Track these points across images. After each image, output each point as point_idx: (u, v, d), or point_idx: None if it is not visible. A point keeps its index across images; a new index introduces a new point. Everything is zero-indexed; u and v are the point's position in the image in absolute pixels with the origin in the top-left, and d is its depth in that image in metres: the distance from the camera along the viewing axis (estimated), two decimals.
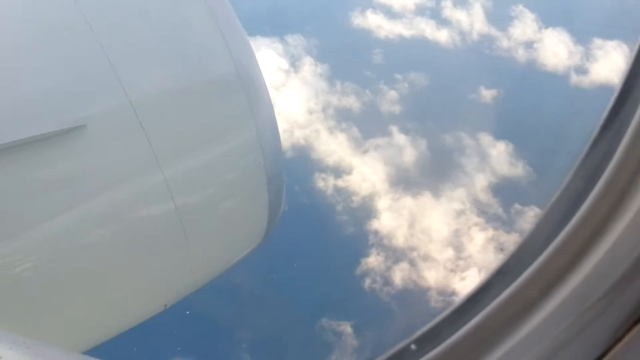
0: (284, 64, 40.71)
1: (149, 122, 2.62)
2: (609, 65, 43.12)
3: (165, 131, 2.73)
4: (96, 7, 2.62)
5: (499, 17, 48.02)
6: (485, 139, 35.97)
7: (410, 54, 44.26)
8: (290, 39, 43.77)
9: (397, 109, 38.79)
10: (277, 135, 3.23)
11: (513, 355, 1.23)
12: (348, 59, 43.00)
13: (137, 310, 3.14)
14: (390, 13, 48.73)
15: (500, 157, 34.96)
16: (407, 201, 31.95)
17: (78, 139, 2.44)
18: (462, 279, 27.38)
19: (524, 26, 47.40)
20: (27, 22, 2.57)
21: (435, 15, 48.62)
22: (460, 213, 31.23)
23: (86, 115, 2.49)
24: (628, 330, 1.21)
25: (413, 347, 1.33)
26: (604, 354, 1.21)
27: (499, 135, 35.96)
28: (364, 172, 33.56)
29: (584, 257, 1.28)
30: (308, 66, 41.44)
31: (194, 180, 2.89)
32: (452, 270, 28.21)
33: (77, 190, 2.57)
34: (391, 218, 30.71)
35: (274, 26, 42.41)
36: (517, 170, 34.30)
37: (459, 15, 48.35)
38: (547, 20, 47.82)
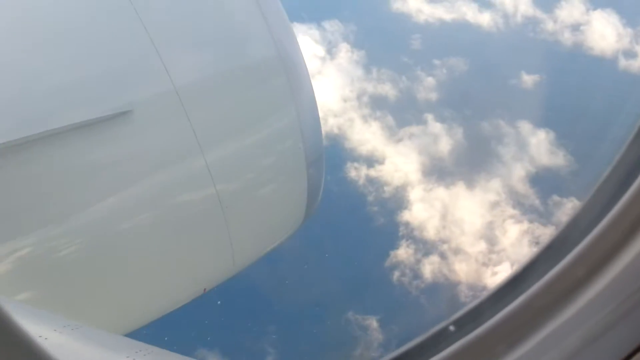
0: (321, 50, 40.30)
1: (193, 107, 2.65)
2: None
3: (208, 116, 2.79)
4: None
5: None
6: (525, 126, 34.78)
7: (450, 38, 43.08)
8: (327, 24, 43.27)
9: (434, 96, 37.94)
10: (317, 119, 3.19)
11: (559, 335, 1.21)
12: (385, 45, 42.22)
13: (178, 293, 3.19)
14: None
15: (540, 145, 33.77)
16: (440, 192, 31.32)
17: (125, 124, 2.49)
18: (494, 273, 26.67)
19: (571, 8, 45.40)
20: (74, 9, 2.64)
21: None
22: (495, 205, 30.38)
23: (132, 100, 2.56)
24: None
25: (452, 328, 1.32)
26: None
27: (539, 123, 34.68)
28: (397, 162, 33.04)
29: (635, 235, 1.23)
30: (344, 53, 40.94)
31: (235, 164, 2.94)
32: (484, 264, 27.53)
33: (123, 174, 2.65)
34: (423, 209, 30.18)
35: (312, 12, 41.97)
36: (558, 159, 33.07)
37: None
38: (596, 1, 45.65)
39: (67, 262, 2.60)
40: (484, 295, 1.40)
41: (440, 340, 1.31)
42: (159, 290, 3.09)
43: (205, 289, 3.17)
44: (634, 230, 1.23)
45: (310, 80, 3.17)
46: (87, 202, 2.58)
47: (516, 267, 1.43)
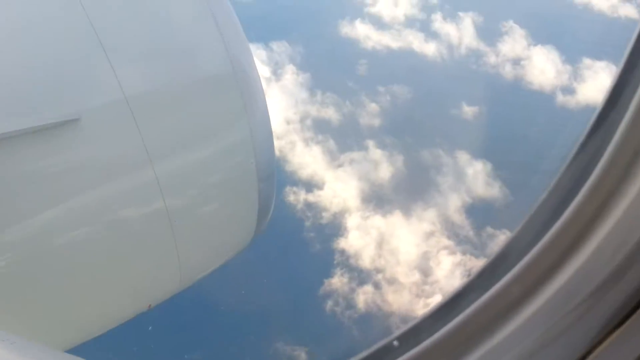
0: (266, 71, 39.97)
1: (143, 118, 2.58)
2: (596, 85, 42.38)
3: (159, 127, 2.71)
4: (95, 1, 2.61)
5: (489, 32, 47.31)
6: (463, 157, 35.23)
7: (396, 66, 43.53)
8: (275, 45, 43.12)
9: (376, 122, 38.06)
10: (270, 136, 3.18)
11: (495, 354, 1.26)
12: (332, 69, 42.29)
13: (121, 309, 3.10)
14: (379, 23, 48.09)
15: (477, 176, 34.22)
16: (377, 220, 31.21)
17: (71, 132, 2.42)
18: (427, 305, 26.55)
19: (513, 42, 46.73)
20: (24, 14, 2.54)
21: (425, 27, 47.95)
22: (430, 234, 30.47)
23: (81, 108, 2.47)
24: (609, 333, 1.23)
25: (395, 343, 1.36)
26: (584, 357, 1.24)
27: (477, 154, 35.21)
28: (336, 188, 32.81)
29: (569, 258, 1.30)
30: (290, 74, 40.77)
31: (184, 178, 2.87)
32: (418, 296, 27.42)
33: (68, 184, 2.53)
34: (359, 237, 29.95)
35: (260, 32, 41.69)
36: (494, 191, 33.55)
37: (449, 29, 47.68)
38: (537, 37, 47.13)
39: (7, 273, 2.50)
40: (426, 312, 1.42)
41: (381, 356, 1.36)
42: (102, 305, 2.98)
43: (150, 305, 3.11)
44: (566, 255, 1.29)
45: (264, 96, 3.12)
46: (29, 211, 2.47)
47: (456, 287, 1.45)
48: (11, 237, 2.48)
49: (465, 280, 1.45)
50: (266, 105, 3.12)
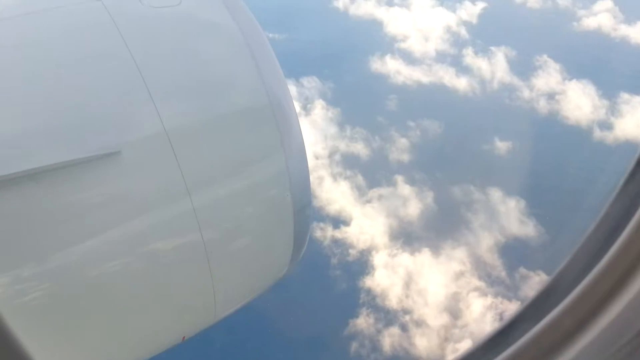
0: (296, 106, 39.84)
1: (182, 151, 2.63)
2: (635, 120, 41.01)
3: (197, 160, 2.74)
4: (137, 36, 2.70)
5: (522, 66, 46.55)
6: (496, 193, 34.18)
7: (426, 101, 43.04)
8: (305, 81, 43.20)
9: (406, 157, 37.43)
10: (306, 167, 3.19)
11: None
12: (361, 104, 42.04)
13: (156, 342, 3.10)
14: (409, 59, 47.87)
15: (510, 214, 33.07)
16: (405, 258, 30.29)
17: (112, 165, 2.48)
18: (456, 350, 25.37)
19: (548, 76, 45.80)
20: (70, 48, 2.65)
21: (456, 62, 47.50)
22: (460, 275, 29.37)
23: (121, 141, 2.53)
24: None
25: None
26: None
27: (510, 191, 34.12)
28: (364, 224, 32.10)
29: (620, 291, 1.27)
30: (320, 109, 40.64)
31: (221, 210, 2.89)
32: (446, 340, 26.25)
33: (107, 216, 2.58)
34: (386, 276, 29.08)
35: (291, 68, 41.84)
36: (528, 229, 32.29)
37: (481, 63, 47.10)
38: (573, 71, 46.13)
39: (44, 304, 2.53)
40: (475, 344, 1.38)
41: None
42: (137, 338, 3.01)
43: (184, 337, 3.12)
44: (621, 284, 1.27)
45: (300, 128, 3.15)
46: (68, 242, 2.52)
47: (505, 319, 1.41)
48: (50, 267, 2.50)
49: (517, 310, 1.43)
50: (302, 137, 3.15)
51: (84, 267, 2.59)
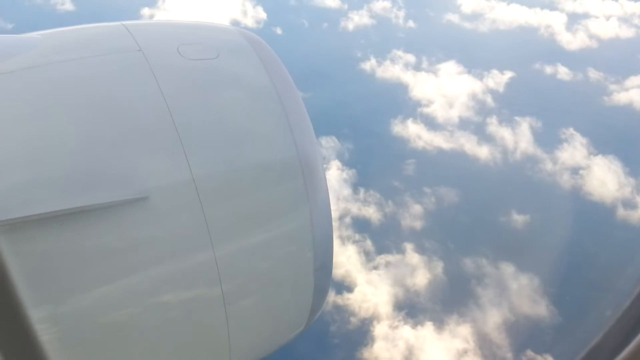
0: None
1: (208, 200, 2.66)
2: None
3: (223, 210, 2.76)
4: (173, 86, 2.80)
5: (547, 138, 45.75)
6: (509, 269, 32.86)
7: (445, 167, 42.41)
8: (324, 140, 43.22)
9: (418, 224, 36.56)
10: (329, 224, 3.14)
11: None
12: (378, 167, 41.64)
13: None
14: (432, 124, 47.63)
15: (522, 291, 31.63)
16: (406, 331, 29.04)
17: (139, 210, 2.55)
18: None
19: (573, 150, 44.82)
20: (107, 94, 2.74)
21: (479, 130, 46.98)
22: (462, 353, 27.92)
23: (150, 187, 2.58)
24: None
25: None
26: None
27: (524, 267, 32.80)
28: (367, 291, 31.12)
29: None
30: (335, 170, 40.37)
31: (243, 263, 2.87)
32: None
33: (130, 261, 2.60)
34: (385, 349, 27.85)
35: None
36: (540, 309, 30.76)
37: (504, 133, 46.47)
38: (600, 146, 45.09)
39: (58, 346, 2.48)
40: None
41: None
42: None
43: None
44: None
45: (326, 185, 3.10)
46: (89, 285, 2.55)
47: None
48: (68, 309, 2.52)
49: None
50: (327, 194, 3.11)
51: (101, 311, 2.61)
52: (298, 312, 3.20)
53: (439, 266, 32.77)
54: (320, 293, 3.17)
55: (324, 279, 3.16)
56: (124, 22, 3.07)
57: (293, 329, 3.28)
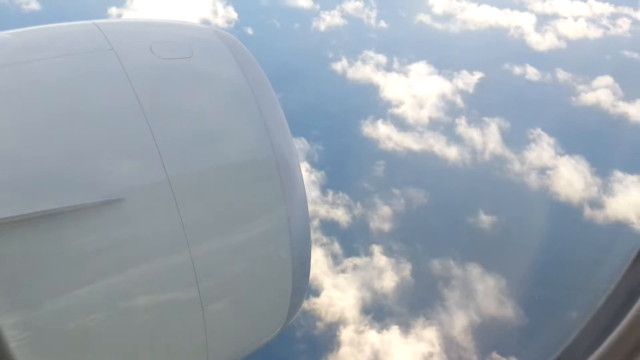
0: None
1: (184, 200, 2.63)
2: (627, 200, 39.95)
3: (199, 210, 2.72)
4: (146, 85, 2.78)
5: (515, 138, 46.03)
6: (476, 270, 32.91)
7: (415, 168, 42.43)
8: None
9: (387, 226, 36.45)
10: (307, 224, 3.11)
11: None
12: (347, 168, 41.47)
13: None
14: (402, 125, 47.59)
15: (489, 293, 31.69)
16: (372, 335, 28.84)
17: (114, 211, 2.54)
18: None
19: (541, 150, 45.18)
20: (78, 94, 2.71)
21: (448, 131, 47.07)
22: (427, 357, 27.83)
23: (125, 188, 2.56)
24: None
25: None
26: None
27: (491, 268, 32.86)
28: (334, 295, 30.87)
29: None
30: (304, 172, 39.76)
31: (219, 263, 2.82)
32: None
33: (105, 263, 2.57)
34: (351, 354, 27.62)
35: None
36: (506, 311, 30.84)
37: (473, 134, 46.65)
38: (567, 146, 45.49)
39: (32, 350, 2.45)
40: None
41: None
42: None
43: None
44: None
45: (303, 184, 3.07)
46: (64, 289, 2.49)
47: None
48: (43, 313, 2.48)
49: None
50: (304, 193, 3.10)
51: (76, 315, 2.57)
52: (276, 312, 3.17)
53: (406, 268, 32.69)
54: (298, 293, 3.14)
55: (301, 279, 3.13)
56: (95, 21, 3.04)
57: (271, 330, 3.24)
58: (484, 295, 31.54)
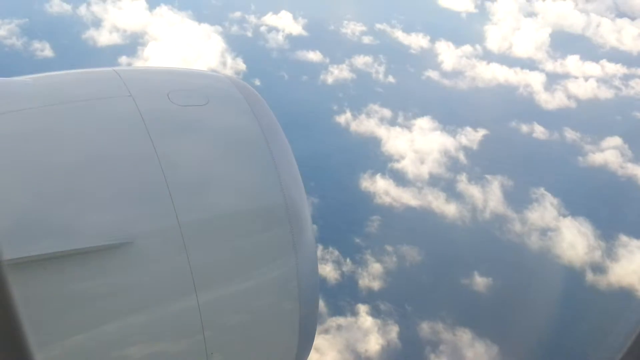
0: None
1: (193, 246, 2.67)
2: (631, 266, 38.18)
3: (208, 257, 2.77)
4: (162, 131, 2.84)
5: (518, 197, 44.78)
6: (466, 335, 31.23)
7: (410, 225, 41.21)
8: None
9: (376, 285, 35.07)
10: (315, 272, 3.15)
11: None
12: (341, 223, 40.40)
13: None
14: (401, 180, 46.66)
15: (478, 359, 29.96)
16: None
17: (123, 255, 2.55)
18: None
19: (543, 210, 43.79)
20: (95, 138, 2.79)
21: (449, 188, 45.99)
22: None
23: (135, 232, 2.59)
24: None
25: None
26: None
27: (482, 333, 31.19)
28: (314, 358, 29.30)
29: None
30: None
31: (227, 310, 2.88)
32: None
33: (110, 306, 2.61)
34: None
35: None
36: None
37: (474, 191, 45.49)
38: (571, 207, 44.08)
39: None
40: None
41: None
42: None
43: None
44: None
45: (312, 233, 3.13)
46: (73, 330, 2.55)
47: None
48: (53, 354, 2.49)
49: None
50: (314, 242, 3.14)
51: (83, 356, 2.56)
52: None
53: (393, 330, 31.19)
54: (305, 342, 3.09)
55: (309, 328, 3.09)
56: (115, 68, 3.11)
57: None
58: None
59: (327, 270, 35.67)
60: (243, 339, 2.95)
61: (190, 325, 2.69)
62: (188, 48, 68.71)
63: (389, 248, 37.45)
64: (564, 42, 76.80)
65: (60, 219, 2.53)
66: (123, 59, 65.57)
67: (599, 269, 38.27)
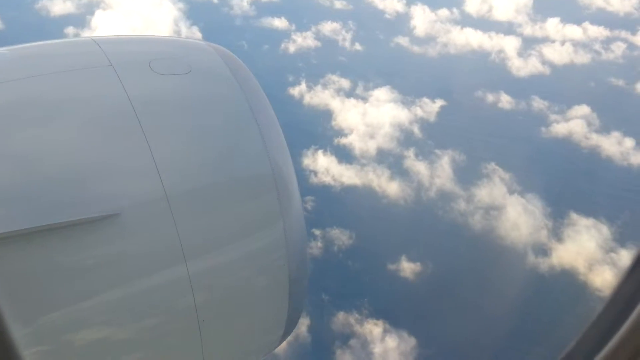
0: None
1: (181, 215, 2.66)
2: (576, 248, 35.91)
3: (196, 225, 2.75)
4: (145, 102, 2.79)
5: (467, 174, 42.36)
6: (381, 327, 29.35)
7: (346, 206, 39.01)
8: None
9: None
10: (304, 238, 3.13)
11: None
12: None
13: None
14: (346, 156, 44.25)
15: (390, 354, 28.10)
16: None
17: (110, 226, 2.56)
18: None
19: (492, 187, 41.40)
20: (78, 110, 2.75)
21: (395, 164, 43.54)
22: None
23: (122, 204, 2.58)
24: None
25: None
26: None
27: (401, 324, 29.27)
28: None
29: None
30: None
31: (216, 277, 2.85)
32: None
33: (101, 277, 2.59)
34: None
35: None
36: None
37: (420, 167, 43.07)
38: (522, 183, 41.64)
39: None
40: None
41: None
42: None
43: None
44: None
45: (300, 200, 3.08)
46: (61, 303, 2.50)
47: None
48: (37, 329, 2.46)
49: None
50: (301, 209, 3.11)
51: (73, 328, 2.55)
52: (272, 327, 3.13)
53: (304, 323, 29.29)
54: (295, 309, 3.11)
55: (299, 292, 3.10)
56: (94, 37, 3.06)
57: (267, 345, 3.21)
58: (382, 357, 27.95)
59: None
60: (234, 306, 2.91)
61: (181, 295, 2.68)
62: (138, 17, 66.02)
63: (317, 232, 35.36)
64: (548, 4, 73.21)
65: (45, 192, 2.49)
66: (70, 30, 63.05)
67: (541, 251, 36.02)
